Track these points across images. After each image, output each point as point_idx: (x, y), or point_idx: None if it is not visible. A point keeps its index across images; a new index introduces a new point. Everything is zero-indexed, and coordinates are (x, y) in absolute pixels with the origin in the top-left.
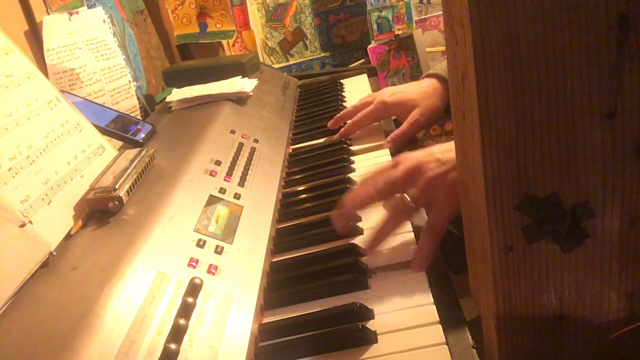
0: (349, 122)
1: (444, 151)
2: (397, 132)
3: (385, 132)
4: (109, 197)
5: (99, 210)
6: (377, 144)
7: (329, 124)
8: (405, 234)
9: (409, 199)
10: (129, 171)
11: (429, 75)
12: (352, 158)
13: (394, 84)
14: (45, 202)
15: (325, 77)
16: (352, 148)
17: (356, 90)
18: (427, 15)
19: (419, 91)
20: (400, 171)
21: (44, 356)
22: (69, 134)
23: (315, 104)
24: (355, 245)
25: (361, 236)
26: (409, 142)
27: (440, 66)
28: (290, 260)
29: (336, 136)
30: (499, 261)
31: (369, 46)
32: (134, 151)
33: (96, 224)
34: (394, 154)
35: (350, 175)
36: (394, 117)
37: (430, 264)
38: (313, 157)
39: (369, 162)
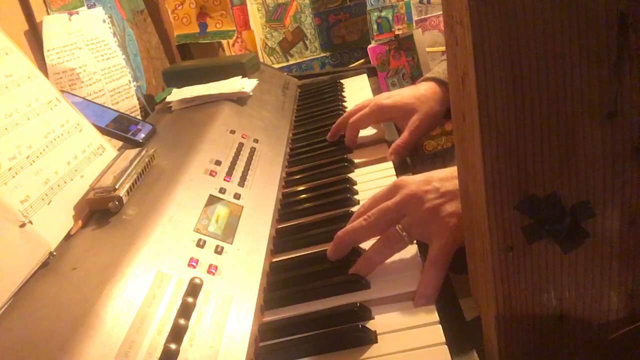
0: (347, 128)
1: (443, 179)
2: (399, 142)
3: (388, 143)
4: (109, 197)
5: (99, 210)
6: (379, 157)
7: (328, 136)
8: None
9: (403, 231)
10: (129, 171)
11: (427, 79)
12: (355, 172)
13: (394, 84)
14: (45, 202)
15: (325, 77)
16: (355, 161)
17: (356, 90)
18: (427, 15)
19: (416, 95)
20: (395, 203)
21: (44, 356)
22: (69, 134)
23: (315, 104)
24: (355, 246)
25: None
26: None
27: (438, 69)
28: (290, 260)
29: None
30: (499, 261)
31: (369, 46)
32: (134, 151)
33: (96, 224)
34: (397, 164)
35: (350, 175)
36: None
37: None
38: (313, 157)
39: (372, 176)
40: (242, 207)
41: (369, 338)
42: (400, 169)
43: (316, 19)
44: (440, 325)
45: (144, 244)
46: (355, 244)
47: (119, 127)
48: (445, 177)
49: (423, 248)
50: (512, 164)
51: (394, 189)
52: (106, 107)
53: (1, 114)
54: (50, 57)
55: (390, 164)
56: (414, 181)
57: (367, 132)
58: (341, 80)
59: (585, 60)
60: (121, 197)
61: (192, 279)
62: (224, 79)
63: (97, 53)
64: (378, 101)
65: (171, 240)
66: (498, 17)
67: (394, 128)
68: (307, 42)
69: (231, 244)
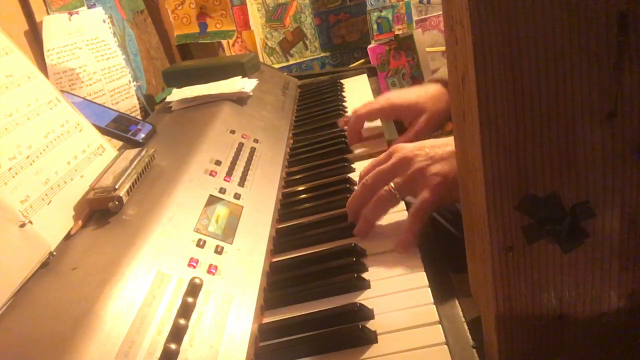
0: (353, 119)
1: (433, 146)
2: (402, 138)
3: (388, 142)
4: (109, 197)
5: (99, 210)
6: (379, 150)
7: (340, 123)
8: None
9: (394, 188)
10: (129, 171)
11: (433, 80)
12: (353, 165)
13: (394, 84)
14: (45, 202)
15: (325, 77)
16: (354, 153)
17: (356, 90)
18: (427, 15)
19: (426, 96)
20: (389, 165)
21: (44, 356)
22: (69, 134)
23: (315, 104)
24: (355, 245)
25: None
26: None
27: (444, 70)
28: (290, 260)
29: (348, 140)
30: (499, 261)
31: (369, 46)
32: (134, 151)
33: (96, 224)
34: None
35: (350, 175)
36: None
37: (430, 263)
38: (313, 157)
39: None
40: (242, 207)
41: (369, 338)
42: None
43: (316, 19)
44: (440, 325)
45: (144, 244)
46: (362, 207)
47: (119, 127)
48: (435, 144)
49: (425, 251)
50: (512, 164)
51: (390, 154)
52: (106, 107)
53: (1, 114)
54: (50, 57)
55: None
56: (408, 146)
57: (366, 125)
58: (341, 80)
59: (585, 60)
60: (121, 197)
61: (192, 279)
62: (224, 79)
63: (97, 53)
64: (388, 99)
65: (171, 240)
66: (498, 17)
67: (393, 126)
68: (307, 42)
69: (231, 244)
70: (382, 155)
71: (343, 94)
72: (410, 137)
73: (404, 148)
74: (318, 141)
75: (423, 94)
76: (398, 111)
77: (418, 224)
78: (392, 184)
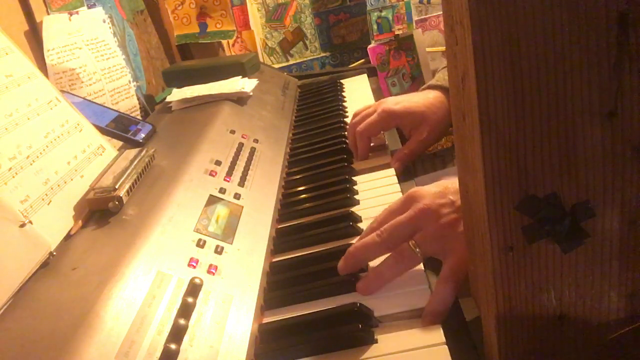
0: (357, 140)
1: (457, 191)
2: (404, 150)
3: (391, 151)
4: (109, 197)
5: (99, 210)
6: (381, 164)
7: (358, 158)
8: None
9: (416, 247)
10: (129, 171)
11: (432, 87)
12: (356, 178)
13: (393, 84)
14: (45, 202)
15: (325, 77)
16: (356, 167)
17: (356, 90)
18: (427, 15)
19: (426, 103)
20: (409, 217)
21: (44, 356)
22: (69, 134)
23: (315, 104)
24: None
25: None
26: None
27: (443, 76)
28: (290, 260)
29: (358, 158)
30: (499, 261)
31: (369, 46)
32: (134, 151)
33: (96, 224)
34: (400, 172)
35: (350, 175)
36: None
37: (430, 263)
38: (313, 157)
39: (374, 184)
40: (242, 207)
41: (369, 338)
42: (403, 173)
43: (316, 19)
44: (440, 326)
45: (144, 244)
46: (368, 261)
47: (119, 127)
48: (458, 188)
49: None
50: (512, 164)
51: (407, 202)
52: (106, 107)
53: (1, 114)
54: (50, 57)
55: (392, 170)
56: (429, 193)
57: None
58: (341, 80)
59: (585, 60)
60: (121, 197)
61: (192, 279)
62: (224, 79)
63: (97, 53)
64: (386, 107)
65: (171, 240)
66: (498, 17)
67: (397, 136)
68: (307, 42)
69: (231, 244)
70: (398, 203)
71: (343, 94)
72: (413, 147)
73: (424, 197)
74: (318, 141)
75: (423, 100)
76: (398, 119)
77: (451, 293)
78: (412, 241)
